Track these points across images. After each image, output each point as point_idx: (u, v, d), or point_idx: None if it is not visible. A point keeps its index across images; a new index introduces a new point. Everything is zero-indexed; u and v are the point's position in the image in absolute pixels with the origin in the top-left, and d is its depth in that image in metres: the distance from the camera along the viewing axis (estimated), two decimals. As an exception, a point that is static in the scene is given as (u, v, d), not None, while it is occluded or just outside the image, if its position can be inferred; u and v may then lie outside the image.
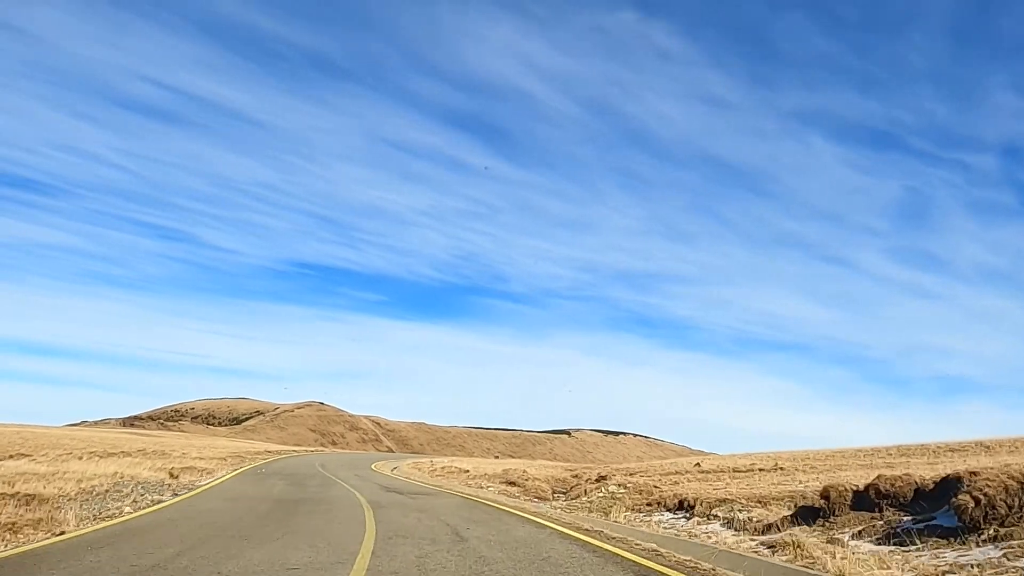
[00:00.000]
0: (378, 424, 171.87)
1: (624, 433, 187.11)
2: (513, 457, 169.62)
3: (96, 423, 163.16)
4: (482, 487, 22.71)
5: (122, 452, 30.76)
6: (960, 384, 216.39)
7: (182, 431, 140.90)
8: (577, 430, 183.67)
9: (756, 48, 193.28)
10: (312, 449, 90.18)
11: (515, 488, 22.43)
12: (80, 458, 24.95)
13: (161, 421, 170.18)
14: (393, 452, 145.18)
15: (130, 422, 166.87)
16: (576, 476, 26.20)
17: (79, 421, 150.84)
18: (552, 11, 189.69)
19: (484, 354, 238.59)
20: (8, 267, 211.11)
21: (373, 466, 39.36)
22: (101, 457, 26.26)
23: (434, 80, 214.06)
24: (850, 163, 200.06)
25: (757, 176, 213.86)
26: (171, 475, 20.17)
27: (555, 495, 21.48)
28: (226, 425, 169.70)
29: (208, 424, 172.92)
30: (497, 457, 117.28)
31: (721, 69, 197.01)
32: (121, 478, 17.53)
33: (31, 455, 26.55)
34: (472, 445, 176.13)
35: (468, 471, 31.75)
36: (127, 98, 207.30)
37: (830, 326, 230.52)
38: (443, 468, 36.12)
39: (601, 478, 22.82)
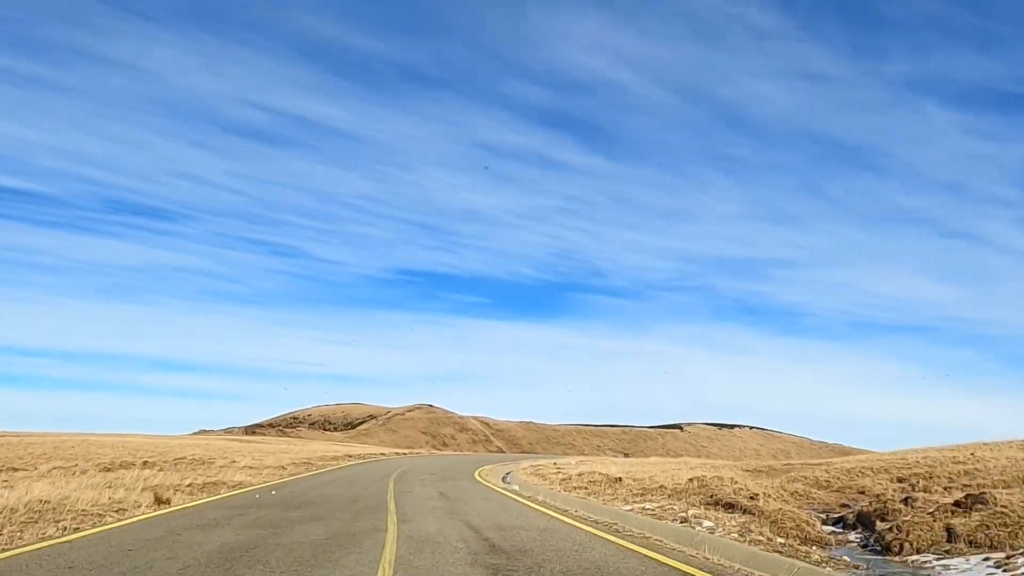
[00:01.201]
0: (487, 424, 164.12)
1: (738, 426, 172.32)
2: (627, 455, 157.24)
3: (221, 432, 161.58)
4: (687, 519, 12.27)
5: (144, 462, 22.24)
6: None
7: (299, 437, 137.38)
8: (689, 424, 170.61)
9: (857, 15, 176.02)
10: (417, 451, 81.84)
11: (741, 516, 12.18)
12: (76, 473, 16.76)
13: (280, 428, 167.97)
14: (504, 452, 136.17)
15: (252, 430, 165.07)
16: (897, 489, 15.37)
17: (198, 430, 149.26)
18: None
19: (586, 350, 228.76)
20: (139, 290, 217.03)
21: (478, 474, 29.37)
22: (109, 470, 17.72)
23: (522, 80, 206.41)
24: (971, 129, 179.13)
25: (866, 151, 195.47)
26: (157, 499, 11.60)
27: (841, 529, 11.49)
28: (341, 430, 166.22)
29: (324, 429, 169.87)
30: (626, 455, 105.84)
31: (820, 42, 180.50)
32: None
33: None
34: (582, 443, 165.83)
35: (620, 479, 21.59)
36: (234, 124, 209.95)
37: (955, 305, 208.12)
38: (579, 475, 25.62)
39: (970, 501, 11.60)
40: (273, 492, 17.96)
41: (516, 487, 23.14)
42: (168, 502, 13.94)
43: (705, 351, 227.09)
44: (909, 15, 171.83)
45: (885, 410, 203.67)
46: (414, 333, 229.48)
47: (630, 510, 13.88)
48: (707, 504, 13.85)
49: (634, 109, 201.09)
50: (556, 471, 30.19)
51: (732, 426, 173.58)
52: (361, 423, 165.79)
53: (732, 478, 18.39)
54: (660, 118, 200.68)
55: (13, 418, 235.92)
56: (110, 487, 15.27)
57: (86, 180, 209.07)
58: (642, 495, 17.04)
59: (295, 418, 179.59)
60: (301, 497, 16.67)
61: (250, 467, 24.40)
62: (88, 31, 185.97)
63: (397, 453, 61.46)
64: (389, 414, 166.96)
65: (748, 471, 28.51)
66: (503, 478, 29.47)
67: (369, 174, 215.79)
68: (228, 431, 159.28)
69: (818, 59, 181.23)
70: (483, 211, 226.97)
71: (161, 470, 21.63)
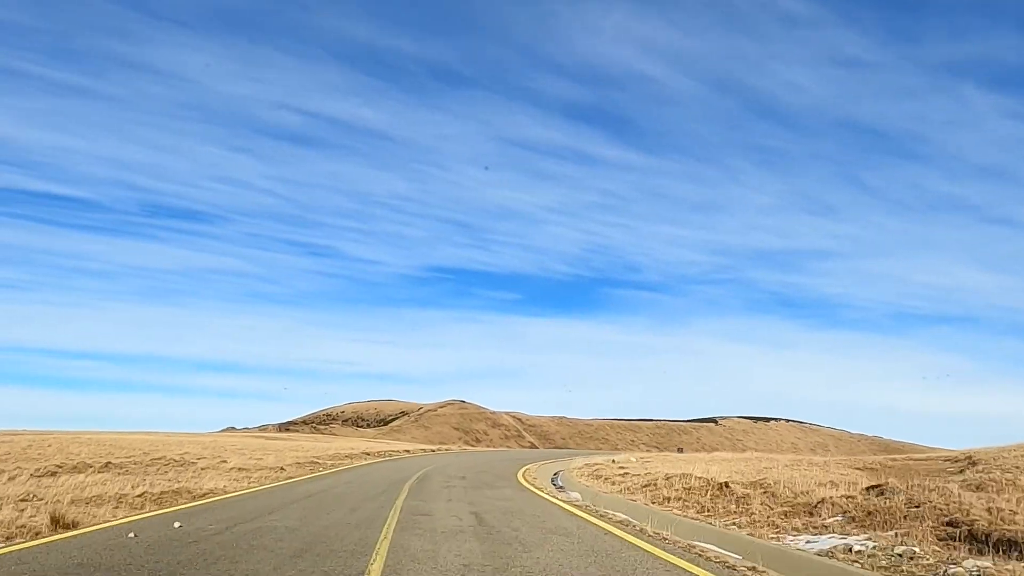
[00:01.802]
0: (519, 420, 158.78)
1: (774, 419, 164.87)
2: (659, 449, 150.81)
3: (256, 429, 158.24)
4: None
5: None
6: None
7: (332, 434, 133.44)
8: (724, 418, 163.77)
9: None
10: (447, 447, 76.19)
11: None
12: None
13: (314, 425, 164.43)
14: (536, 448, 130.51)
15: (285, 427, 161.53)
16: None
17: (225, 428, 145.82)
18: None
19: (621, 345, 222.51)
20: (180, 292, 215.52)
21: (521, 475, 24.16)
22: (53, 474, 12.61)
23: (553, 75, 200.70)
24: (1014, 112, 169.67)
25: (905, 138, 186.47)
26: (55, 521, 7.71)
27: None
28: (374, 427, 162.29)
29: (357, 426, 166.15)
30: (680, 451, 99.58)
31: (855, 27, 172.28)
32: None
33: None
34: (616, 438, 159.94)
35: (726, 484, 15.74)
36: (271, 127, 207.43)
37: (1003, 294, 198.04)
38: (665, 478, 18.75)
39: None
40: (177, 524, 10.38)
41: (577, 495, 17.44)
42: (74, 525, 8.77)
43: (741, 345, 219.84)
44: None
45: (926, 403, 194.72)
46: (447, 330, 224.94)
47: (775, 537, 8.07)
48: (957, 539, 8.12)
49: (666, 101, 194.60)
50: (620, 472, 24.37)
51: (768, 419, 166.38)
52: (393, 420, 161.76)
53: (892, 482, 12.48)
54: (692, 109, 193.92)
55: (62, 419, 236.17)
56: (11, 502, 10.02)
57: (127, 185, 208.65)
58: (807, 513, 11.24)
59: (328, 415, 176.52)
60: (223, 536, 9.43)
61: (241, 468, 19.21)
62: (126, 40, 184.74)
63: (425, 450, 55.08)
64: (421, 410, 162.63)
65: (860, 469, 22.46)
66: (553, 481, 23.55)
67: (404, 173, 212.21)
68: (263, 429, 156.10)
69: (852, 45, 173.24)
70: (516, 207, 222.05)
71: (121, 474, 16.57)
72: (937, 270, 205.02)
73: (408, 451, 40.19)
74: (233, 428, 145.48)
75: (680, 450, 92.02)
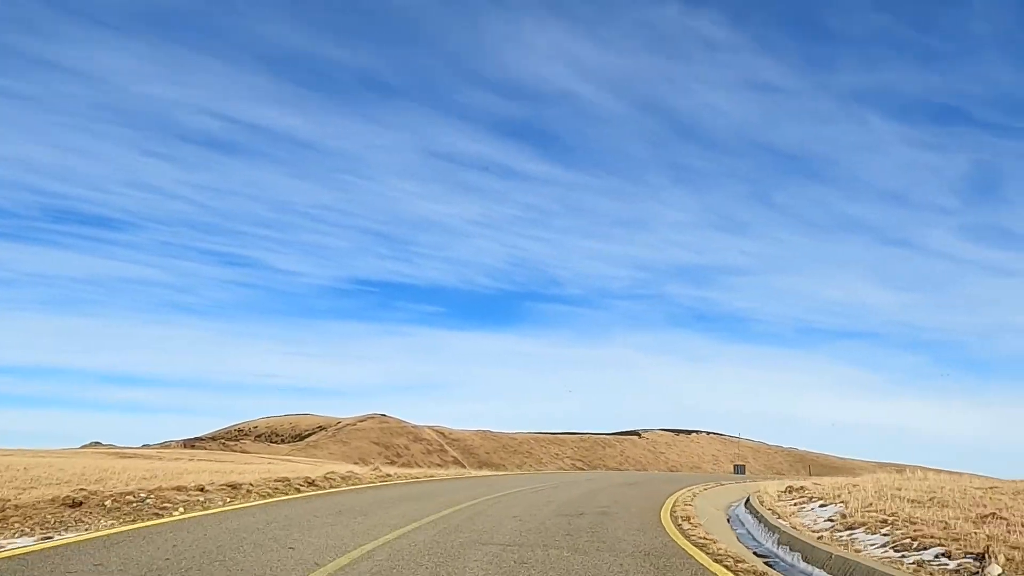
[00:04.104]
0: (442, 434, 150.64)
1: (695, 431, 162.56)
2: (586, 463, 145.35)
3: (158, 446, 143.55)
4: None
5: None
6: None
7: (244, 451, 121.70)
8: (647, 430, 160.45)
9: (807, 29, 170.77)
10: (463, 472, 65.27)
11: None
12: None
13: (223, 441, 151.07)
14: (461, 464, 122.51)
15: (191, 443, 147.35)
16: None
17: (141, 445, 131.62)
18: (598, 8, 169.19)
19: (544, 359, 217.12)
20: (88, 302, 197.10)
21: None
22: None
23: (483, 90, 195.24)
24: (913, 141, 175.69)
25: (815, 161, 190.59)
26: None
27: None
28: (288, 442, 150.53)
29: (271, 442, 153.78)
30: (813, 475, 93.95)
31: (771, 54, 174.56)
32: None
33: None
34: (540, 451, 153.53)
35: None
36: (190, 132, 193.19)
37: (901, 310, 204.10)
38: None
39: None
40: None
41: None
42: None
43: (662, 357, 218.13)
44: (856, 29, 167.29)
45: (834, 414, 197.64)
46: (368, 343, 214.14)
47: None
48: None
49: (592, 119, 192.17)
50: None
51: (689, 432, 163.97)
52: (310, 435, 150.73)
53: None
54: (617, 128, 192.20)
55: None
56: None
57: (31, 188, 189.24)
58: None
59: (240, 431, 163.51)
60: None
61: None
62: (37, 36, 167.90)
63: (382, 473, 34.34)
64: (340, 425, 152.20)
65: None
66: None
67: (327, 183, 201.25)
68: (165, 445, 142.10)
69: (769, 71, 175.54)
70: (441, 220, 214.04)
71: None
72: (840, 287, 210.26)
73: (354, 476, 21.39)
74: (98, 443, 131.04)
75: (803, 474, 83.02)
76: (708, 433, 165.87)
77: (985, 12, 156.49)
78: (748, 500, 18.18)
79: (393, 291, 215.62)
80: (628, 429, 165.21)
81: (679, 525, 12.22)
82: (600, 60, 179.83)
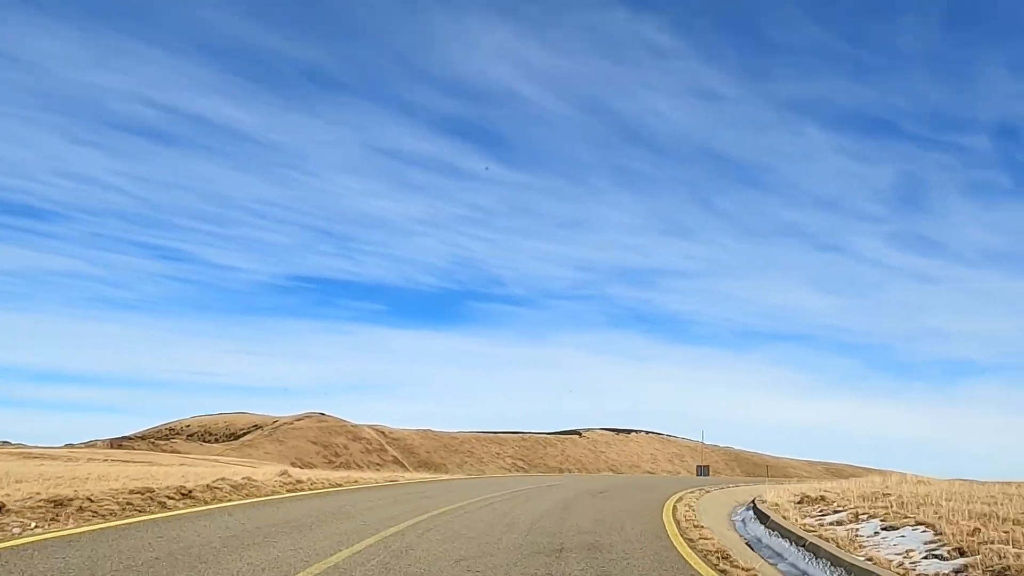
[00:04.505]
0: (382, 433, 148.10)
1: (635, 431, 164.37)
2: (526, 463, 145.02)
3: (82, 445, 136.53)
4: None
5: None
6: (965, 366, 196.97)
7: (175, 450, 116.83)
8: (587, 430, 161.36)
9: (749, 39, 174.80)
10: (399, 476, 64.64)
11: None
12: None
13: (153, 440, 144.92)
14: (402, 463, 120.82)
15: (119, 443, 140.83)
16: None
17: (63, 444, 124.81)
18: (545, 10, 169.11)
19: (486, 358, 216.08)
20: (14, 296, 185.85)
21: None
22: None
23: (429, 88, 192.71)
24: (846, 151, 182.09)
25: (754, 168, 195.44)
26: None
27: None
28: (223, 441, 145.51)
29: (204, 441, 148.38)
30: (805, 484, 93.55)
31: (714, 62, 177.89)
32: None
33: None
34: (481, 451, 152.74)
35: None
36: (126, 121, 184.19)
37: (834, 315, 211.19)
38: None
39: None
40: None
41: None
42: None
43: (603, 358, 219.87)
44: (796, 40, 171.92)
45: (768, 414, 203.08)
46: (308, 341, 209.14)
47: None
48: None
49: (538, 120, 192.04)
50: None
51: (628, 431, 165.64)
52: (245, 434, 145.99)
53: None
54: (563, 129, 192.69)
55: None
56: None
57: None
58: None
59: (171, 429, 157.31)
60: None
61: None
62: None
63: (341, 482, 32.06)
64: (276, 423, 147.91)
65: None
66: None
67: (268, 177, 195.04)
68: (91, 445, 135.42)
69: (712, 78, 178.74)
70: (384, 217, 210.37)
71: None
72: (777, 291, 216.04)
73: (250, 484, 16.88)
74: (7, 443, 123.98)
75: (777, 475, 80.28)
76: (647, 432, 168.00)
77: (914, 30, 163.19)
78: (772, 520, 13.57)
79: (335, 288, 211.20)
80: (569, 428, 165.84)
81: (717, 566, 8.74)
82: (546, 62, 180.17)
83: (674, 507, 16.91)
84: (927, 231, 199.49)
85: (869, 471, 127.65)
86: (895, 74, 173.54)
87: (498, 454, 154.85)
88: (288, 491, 17.32)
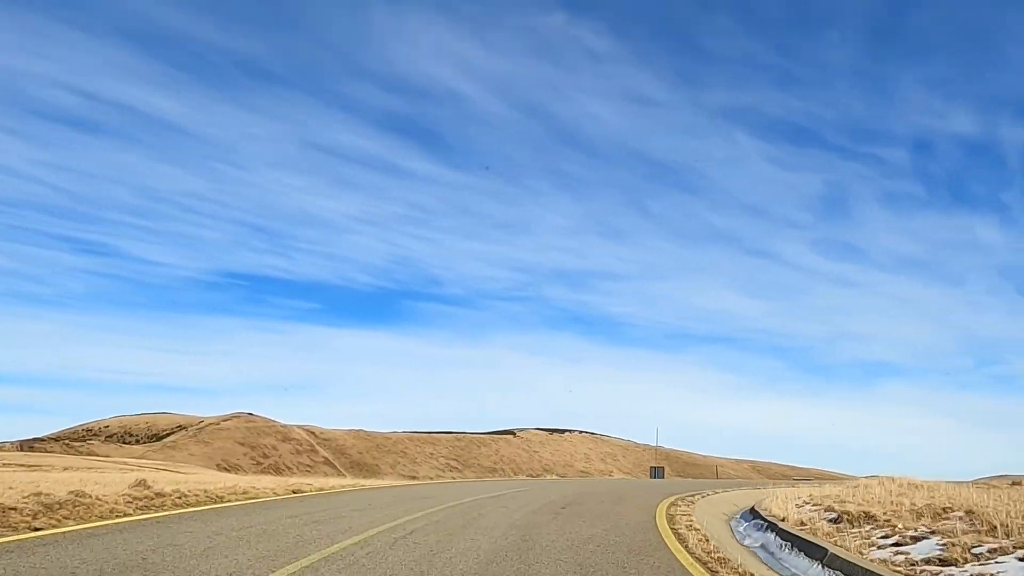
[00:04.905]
0: (313, 434, 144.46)
1: (569, 431, 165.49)
2: (460, 463, 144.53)
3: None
4: None
5: None
6: (881, 368, 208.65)
7: (91, 452, 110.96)
8: (522, 430, 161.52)
9: (683, 47, 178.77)
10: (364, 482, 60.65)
11: None
12: None
13: (67, 442, 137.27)
14: (333, 465, 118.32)
15: (29, 445, 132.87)
16: None
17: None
18: (485, 11, 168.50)
19: (421, 358, 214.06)
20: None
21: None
22: None
23: (368, 84, 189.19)
24: (773, 159, 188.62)
25: (686, 173, 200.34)
26: None
27: None
28: (144, 443, 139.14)
29: (123, 443, 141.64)
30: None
31: (649, 68, 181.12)
32: None
33: None
34: (415, 451, 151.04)
35: None
36: (46, 107, 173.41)
37: (761, 318, 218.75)
38: None
39: None
40: None
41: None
42: None
43: (539, 359, 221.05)
44: (728, 50, 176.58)
45: (698, 413, 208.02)
46: (237, 339, 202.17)
47: None
48: None
49: (476, 119, 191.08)
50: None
51: (563, 431, 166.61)
52: (168, 435, 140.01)
53: None
54: (501, 130, 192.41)
55: None
56: None
57: None
58: None
59: (88, 430, 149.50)
60: None
61: None
62: None
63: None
64: (202, 424, 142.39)
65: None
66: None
67: (198, 171, 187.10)
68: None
69: (646, 84, 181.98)
70: (319, 214, 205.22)
71: None
72: (708, 294, 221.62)
73: (80, 502, 11.59)
74: None
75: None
76: (580, 432, 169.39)
77: (840, 44, 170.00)
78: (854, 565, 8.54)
79: (267, 286, 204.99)
80: (504, 428, 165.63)
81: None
82: (485, 62, 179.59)
83: (679, 534, 12.17)
84: (849, 238, 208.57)
85: (794, 468, 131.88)
86: (820, 86, 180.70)
87: (432, 454, 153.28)
88: (137, 510, 12.53)
